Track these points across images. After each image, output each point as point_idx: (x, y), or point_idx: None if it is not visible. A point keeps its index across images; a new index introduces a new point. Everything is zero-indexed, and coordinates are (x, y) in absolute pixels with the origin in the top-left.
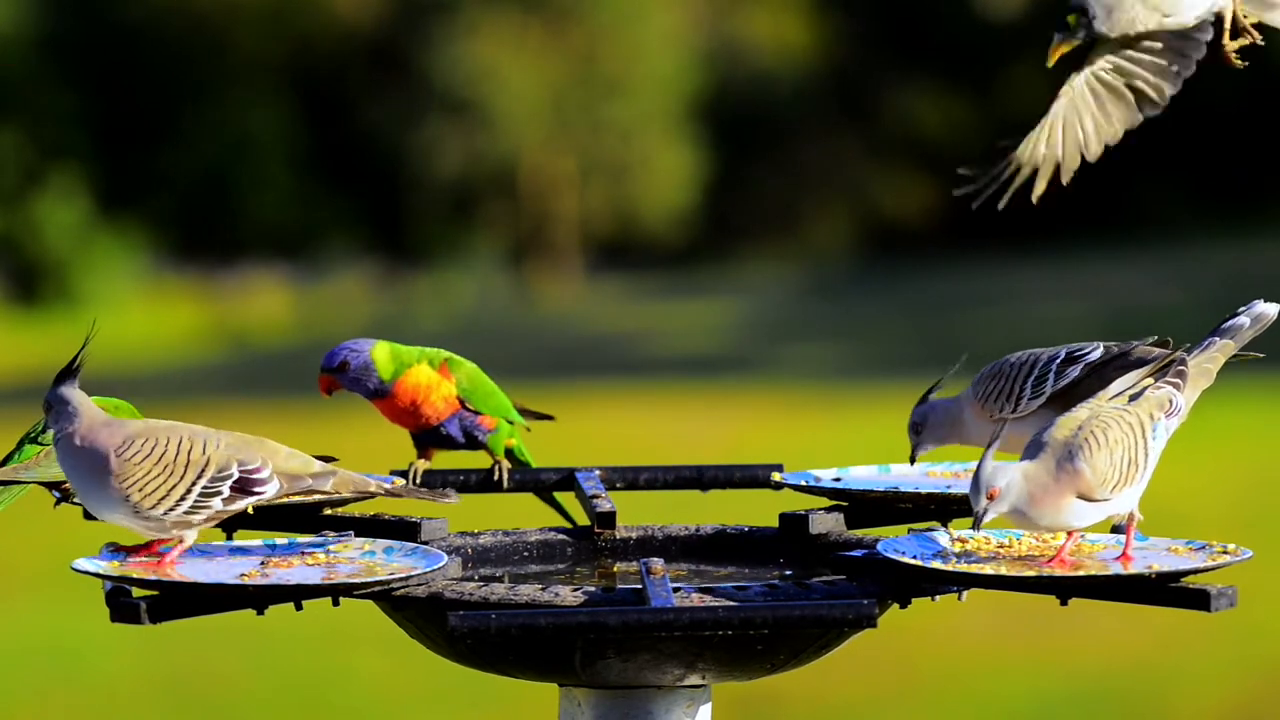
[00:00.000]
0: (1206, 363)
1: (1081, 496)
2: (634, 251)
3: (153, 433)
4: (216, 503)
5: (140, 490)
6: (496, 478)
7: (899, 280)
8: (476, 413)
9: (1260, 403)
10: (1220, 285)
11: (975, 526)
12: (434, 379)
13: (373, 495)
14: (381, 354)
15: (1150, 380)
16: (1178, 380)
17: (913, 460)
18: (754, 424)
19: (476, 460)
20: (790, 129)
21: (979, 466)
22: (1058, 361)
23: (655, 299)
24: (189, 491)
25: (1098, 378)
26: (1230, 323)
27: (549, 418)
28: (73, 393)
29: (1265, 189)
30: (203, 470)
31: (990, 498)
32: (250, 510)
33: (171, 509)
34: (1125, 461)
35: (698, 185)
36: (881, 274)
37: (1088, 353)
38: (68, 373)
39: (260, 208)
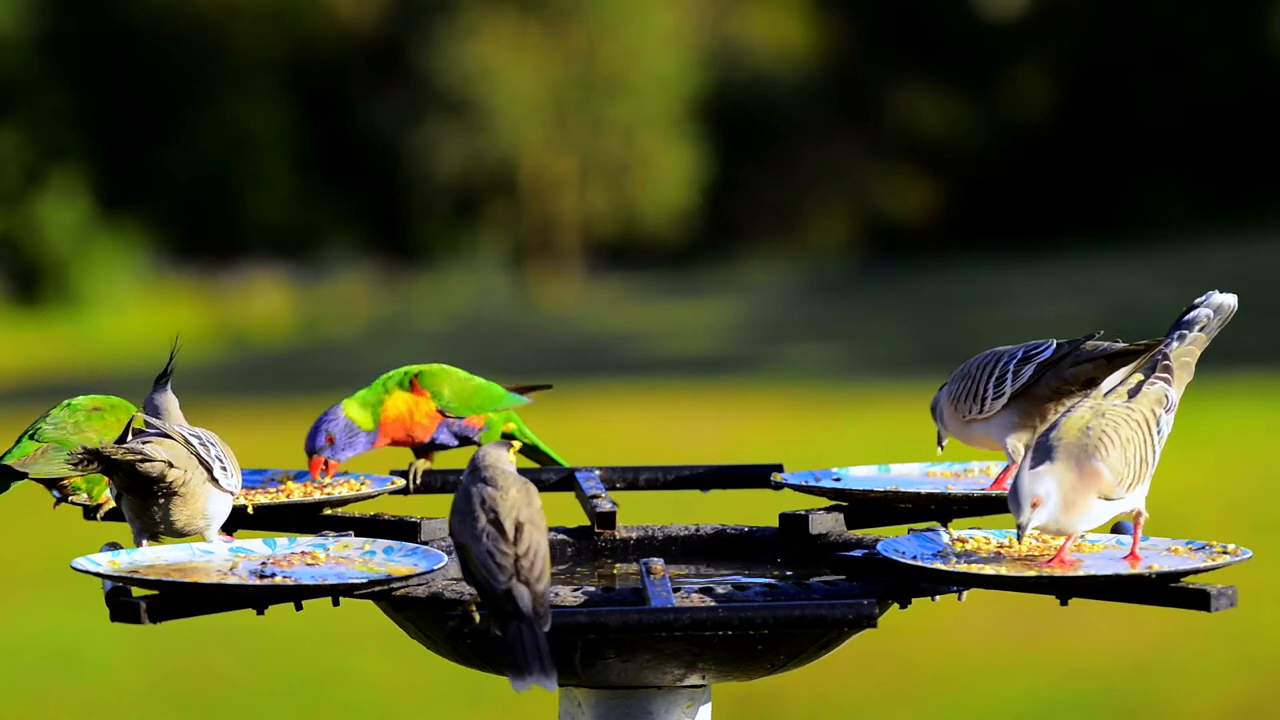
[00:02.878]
0: (1185, 357)
1: (1102, 496)
2: (634, 251)
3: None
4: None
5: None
6: None
7: (899, 280)
8: (460, 417)
9: (1260, 403)
10: (1220, 285)
11: (1020, 539)
12: (410, 401)
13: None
14: (354, 410)
15: (1140, 376)
16: (1168, 375)
17: (940, 445)
18: (754, 424)
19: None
20: (790, 129)
21: (1018, 478)
22: (1015, 361)
23: (656, 299)
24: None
25: (1054, 374)
26: (1190, 315)
27: (546, 387)
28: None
29: (1265, 189)
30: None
31: (1034, 506)
32: (250, 510)
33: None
34: (1137, 459)
35: (698, 185)
36: (881, 274)
37: (1041, 351)
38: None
39: (260, 208)
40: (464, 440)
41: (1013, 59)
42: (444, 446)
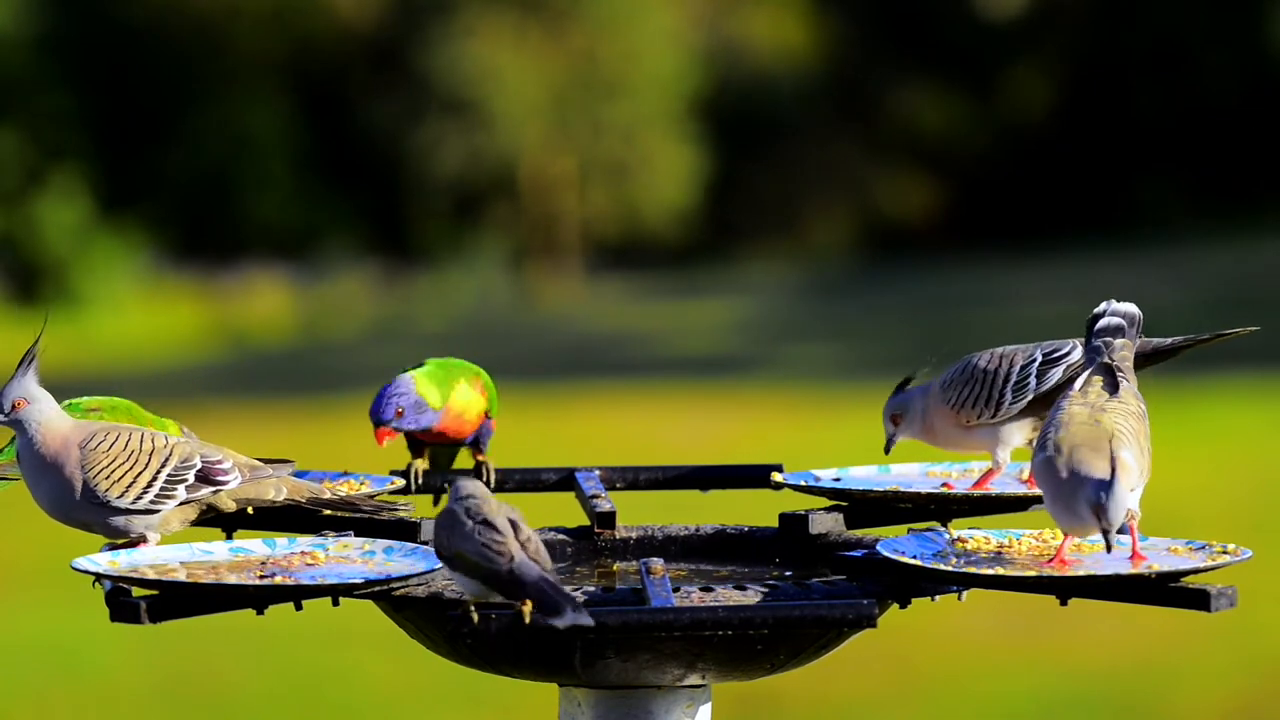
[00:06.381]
0: (1124, 361)
1: (1129, 490)
2: (635, 251)
3: (115, 428)
4: (181, 490)
5: (108, 478)
6: (485, 478)
7: (899, 280)
8: (491, 418)
9: (1260, 403)
10: (1220, 285)
11: (1109, 550)
12: (473, 399)
13: (327, 504)
14: (425, 387)
15: (1099, 378)
16: (1124, 375)
17: (888, 449)
18: (754, 424)
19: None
20: (790, 129)
21: (1114, 494)
22: (1036, 364)
23: (656, 299)
24: (155, 479)
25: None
26: (1102, 324)
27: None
28: (38, 388)
29: (1264, 189)
30: (167, 459)
31: (1130, 518)
32: (250, 510)
33: (139, 497)
34: (1145, 453)
35: (698, 185)
36: (881, 274)
37: (1067, 353)
38: (28, 364)
39: (260, 208)
40: (477, 442)
41: (1013, 59)
42: (461, 444)
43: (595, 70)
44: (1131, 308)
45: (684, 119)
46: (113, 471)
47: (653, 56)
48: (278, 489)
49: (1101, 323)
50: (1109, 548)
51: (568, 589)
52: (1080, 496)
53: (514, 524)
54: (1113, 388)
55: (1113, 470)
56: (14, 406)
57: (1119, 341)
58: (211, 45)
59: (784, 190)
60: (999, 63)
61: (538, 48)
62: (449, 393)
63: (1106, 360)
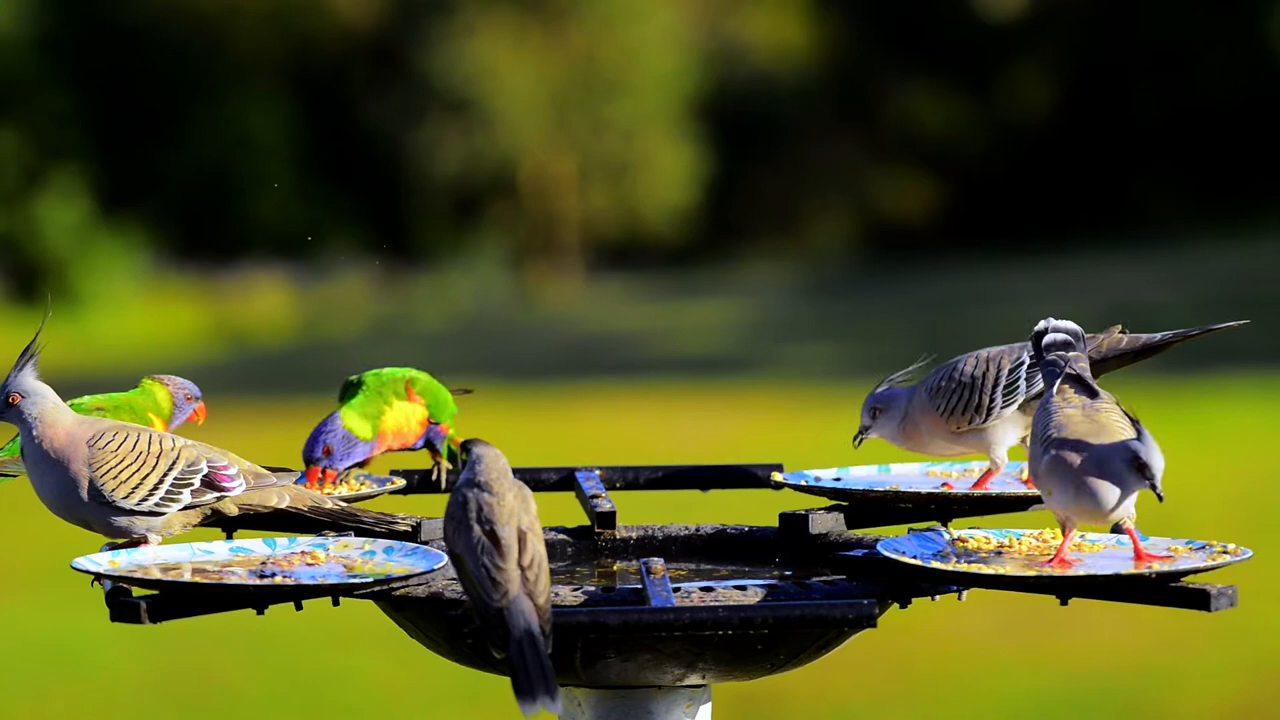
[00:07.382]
0: (1085, 373)
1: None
2: (635, 251)
3: (122, 427)
4: (186, 494)
5: (115, 478)
6: (435, 477)
7: (899, 280)
8: (438, 423)
9: (1260, 403)
10: (1220, 285)
11: (1160, 500)
12: (408, 410)
13: (329, 514)
14: (352, 420)
15: (1068, 386)
16: (1090, 381)
17: (858, 442)
18: (754, 424)
19: (418, 460)
20: (790, 129)
21: (1148, 443)
22: (1025, 367)
23: (656, 299)
24: (161, 481)
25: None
26: (1049, 339)
27: (468, 391)
28: (36, 383)
29: (1265, 189)
30: (174, 462)
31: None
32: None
33: (145, 499)
34: None
35: (698, 185)
36: (881, 274)
37: None
38: (26, 359)
39: (260, 208)
40: (431, 445)
41: (1013, 59)
42: (415, 448)
43: (595, 70)
44: (1073, 325)
45: (684, 119)
46: (120, 472)
47: (653, 56)
48: (280, 496)
49: (1048, 339)
50: (1160, 498)
51: (569, 589)
52: (1113, 462)
53: (521, 538)
54: (1090, 393)
55: (1138, 429)
56: (8, 401)
57: (1073, 355)
58: (211, 45)
59: (784, 190)
60: (999, 63)
61: (538, 47)
62: (378, 422)
63: (1071, 371)
